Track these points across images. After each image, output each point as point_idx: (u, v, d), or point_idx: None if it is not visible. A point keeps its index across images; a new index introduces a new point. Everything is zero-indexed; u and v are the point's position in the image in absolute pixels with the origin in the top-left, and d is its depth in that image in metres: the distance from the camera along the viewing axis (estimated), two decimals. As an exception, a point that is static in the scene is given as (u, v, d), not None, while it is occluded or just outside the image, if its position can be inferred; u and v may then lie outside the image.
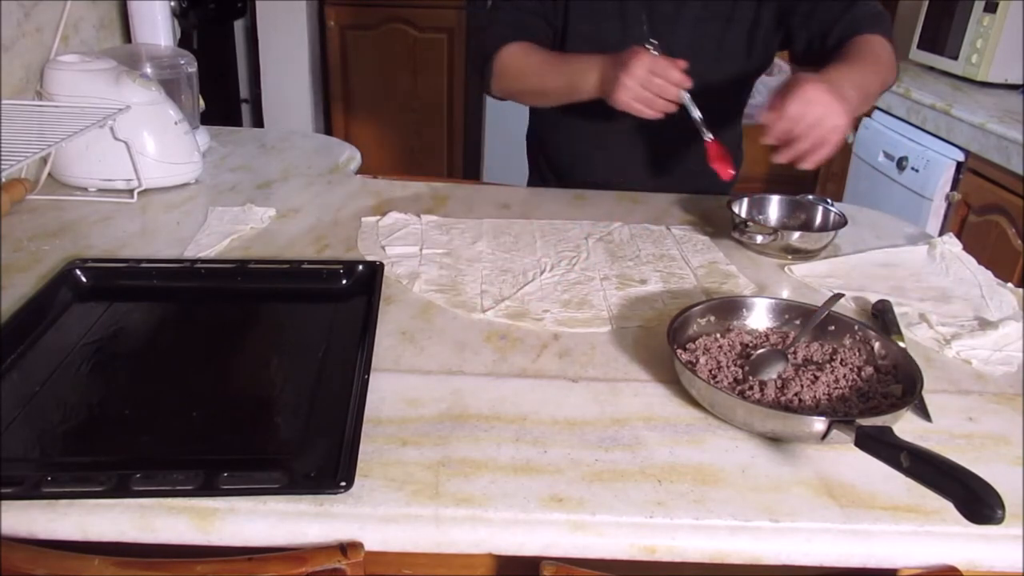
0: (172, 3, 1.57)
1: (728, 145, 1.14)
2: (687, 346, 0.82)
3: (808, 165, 0.95)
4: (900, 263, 1.12)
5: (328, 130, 3.35)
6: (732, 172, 1.12)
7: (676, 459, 0.68)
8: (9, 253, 1.01)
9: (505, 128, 2.05)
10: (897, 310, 0.95)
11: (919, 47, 2.61)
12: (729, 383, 0.76)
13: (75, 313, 0.89)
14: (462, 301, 0.95)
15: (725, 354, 0.81)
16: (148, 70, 1.37)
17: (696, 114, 1.09)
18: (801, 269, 1.08)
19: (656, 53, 1.07)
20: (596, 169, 1.38)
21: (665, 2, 1.23)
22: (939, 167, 2.17)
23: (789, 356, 0.80)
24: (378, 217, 1.18)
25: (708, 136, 1.11)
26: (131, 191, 1.22)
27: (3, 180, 1.01)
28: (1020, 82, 2.33)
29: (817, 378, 0.76)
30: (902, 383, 0.76)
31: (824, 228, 1.17)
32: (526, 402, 0.75)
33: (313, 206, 1.23)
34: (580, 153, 1.39)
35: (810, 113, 0.92)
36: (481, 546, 0.61)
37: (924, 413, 0.76)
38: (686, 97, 1.07)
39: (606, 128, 1.32)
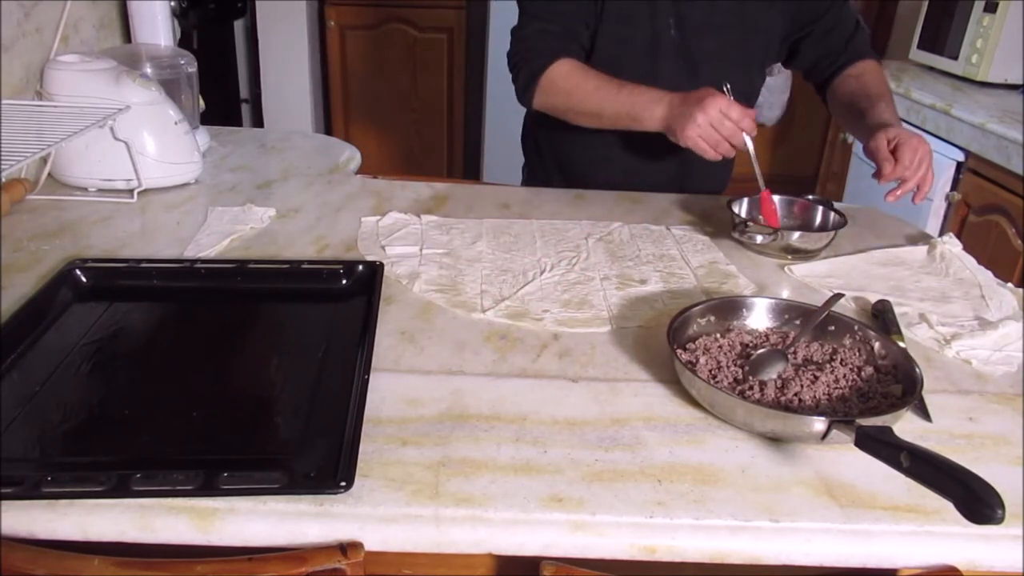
0: (172, 3, 1.57)
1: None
2: (687, 346, 0.82)
3: (918, 200, 1.12)
4: (900, 263, 1.12)
5: (328, 130, 3.35)
6: (779, 223, 1.16)
7: (676, 459, 0.68)
8: (9, 253, 1.01)
9: (505, 128, 2.05)
10: (897, 310, 0.95)
11: (919, 47, 2.61)
12: (729, 383, 0.76)
13: (75, 313, 0.89)
14: (462, 301, 0.95)
15: (725, 354, 0.81)
16: (148, 70, 1.37)
17: (755, 162, 1.11)
18: (801, 269, 1.08)
19: (731, 97, 1.09)
20: (609, 168, 1.38)
21: (694, 8, 1.25)
22: (939, 167, 2.17)
23: (789, 356, 0.80)
24: (378, 217, 1.18)
25: (764, 186, 1.15)
26: (131, 191, 1.21)
27: (3, 180, 1.01)
28: (1020, 82, 2.33)
29: (817, 378, 0.76)
30: (902, 383, 0.76)
31: (824, 228, 1.17)
32: (526, 402, 0.75)
33: (313, 206, 1.23)
34: (596, 157, 1.39)
35: (916, 159, 1.09)
36: (481, 546, 0.61)
37: (924, 413, 0.76)
38: (750, 144, 1.09)
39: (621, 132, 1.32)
